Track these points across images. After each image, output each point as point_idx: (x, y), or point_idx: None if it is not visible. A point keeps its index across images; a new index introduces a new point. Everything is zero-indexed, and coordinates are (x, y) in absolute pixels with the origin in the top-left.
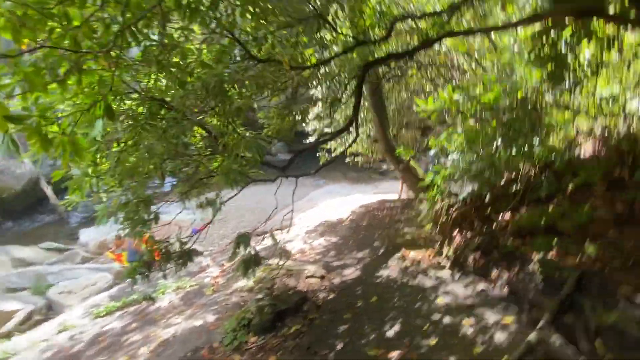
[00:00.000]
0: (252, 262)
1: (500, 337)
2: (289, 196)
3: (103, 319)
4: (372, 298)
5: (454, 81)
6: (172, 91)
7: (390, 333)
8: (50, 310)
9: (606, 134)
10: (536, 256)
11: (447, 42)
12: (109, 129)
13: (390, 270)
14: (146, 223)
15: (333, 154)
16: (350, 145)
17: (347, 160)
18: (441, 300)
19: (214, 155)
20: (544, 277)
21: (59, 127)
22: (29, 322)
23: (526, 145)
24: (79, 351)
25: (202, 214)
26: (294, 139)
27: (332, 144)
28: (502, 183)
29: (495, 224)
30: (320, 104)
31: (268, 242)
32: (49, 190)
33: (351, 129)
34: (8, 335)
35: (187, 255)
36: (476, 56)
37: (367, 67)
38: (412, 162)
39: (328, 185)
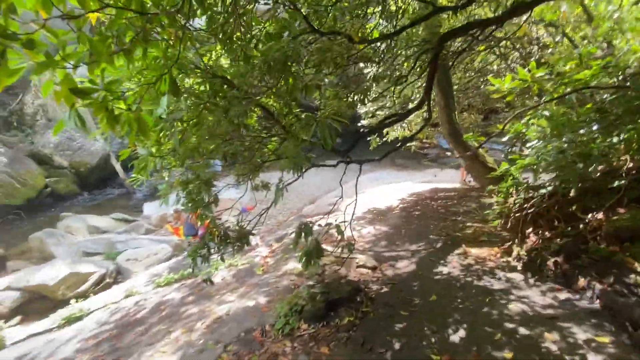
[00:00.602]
0: (314, 254)
1: (593, 359)
2: (333, 180)
3: (163, 289)
4: (431, 296)
5: (532, 58)
6: (234, 68)
7: (454, 338)
8: (119, 275)
9: None
10: (638, 266)
11: (536, 9)
12: (171, 107)
13: (451, 266)
14: (207, 206)
15: (385, 139)
16: (422, 129)
17: (398, 145)
18: (515, 307)
19: (273, 137)
20: None
21: (125, 103)
22: (102, 284)
23: (633, 132)
24: (143, 317)
25: (254, 195)
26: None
27: (385, 130)
28: (595, 177)
29: (583, 224)
30: (380, 83)
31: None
32: (117, 166)
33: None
34: (85, 295)
35: (245, 238)
36: (564, 26)
37: (445, 38)
38: (481, 150)
39: (375, 172)
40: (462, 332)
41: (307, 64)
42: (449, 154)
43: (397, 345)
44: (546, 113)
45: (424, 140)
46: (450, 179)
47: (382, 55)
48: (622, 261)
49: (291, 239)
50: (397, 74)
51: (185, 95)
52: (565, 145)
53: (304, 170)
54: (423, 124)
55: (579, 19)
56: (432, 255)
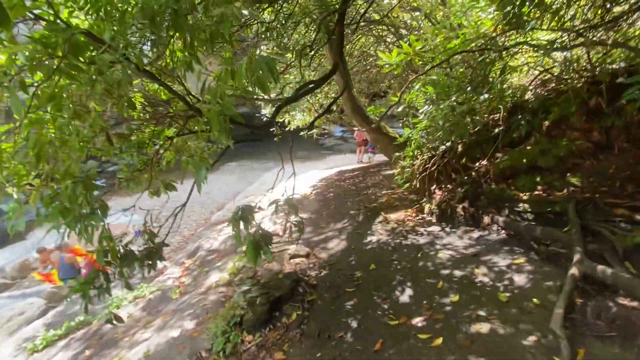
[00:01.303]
0: (263, 242)
1: (519, 279)
2: (240, 182)
3: (42, 353)
4: (370, 266)
5: (404, 39)
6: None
7: (404, 298)
8: None
9: (576, 67)
10: (523, 196)
11: None
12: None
13: (378, 234)
14: (93, 216)
15: (287, 128)
16: (343, 93)
17: (302, 134)
18: (443, 255)
19: (168, 122)
20: (536, 214)
21: None
22: None
23: (497, 86)
24: None
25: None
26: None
27: (287, 118)
28: (475, 130)
29: (475, 172)
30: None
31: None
32: None
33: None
34: None
35: (157, 253)
36: (424, 10)
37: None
38: (382, 123)
39: (278, 167)
40: (408, 291)
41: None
42: (330, 142)
43: (354, 324)
44: (434, 77)
45: (323, 127)
46: (349, 162)
47: (284, 22)
48: (511, 195)
49: (207, 250)
50: (302, 44)
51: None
52: (455, 103)
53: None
54: (343, 88)
55: (435, 3)
56: (358, 229)
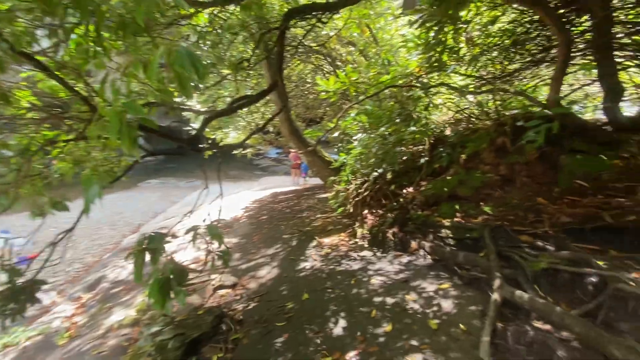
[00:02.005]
0: (175, 280)
1: (446, 305)
2: (162, 202)
3: None
4: (303, 295)
5: (339, 70)
6: None
7: (337, 330)
8: None
9: (485, 111)
10: (445, 222)
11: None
12: None
13: (311, 260)
14: None
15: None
16: (275, 116)
17: (235, 152)
18: (376, 281)
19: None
20: (457, 239)
21: None
22: None
23: (422, 121)
24: None
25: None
26: (168, 130)
27: (219, 135)
28: (403, 160)
29: (402, 198)
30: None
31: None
32: None
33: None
34: None
35: (27, 293)
36: (359, 47)
37: (290, 15)
38: (318, 147)
39: (208, 187)
40: (342, 322)
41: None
42: (276, 163)
43: None
44: (368, 107)
45: (258, 147)
46: (283, 183)
47: (219, 30)
48: (434, 221)
49: (112, 282)
50: (239, 58)
51: None
52: (386, 133)
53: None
54: (281, 108)
55: (369, 41)
56: (291, 254)
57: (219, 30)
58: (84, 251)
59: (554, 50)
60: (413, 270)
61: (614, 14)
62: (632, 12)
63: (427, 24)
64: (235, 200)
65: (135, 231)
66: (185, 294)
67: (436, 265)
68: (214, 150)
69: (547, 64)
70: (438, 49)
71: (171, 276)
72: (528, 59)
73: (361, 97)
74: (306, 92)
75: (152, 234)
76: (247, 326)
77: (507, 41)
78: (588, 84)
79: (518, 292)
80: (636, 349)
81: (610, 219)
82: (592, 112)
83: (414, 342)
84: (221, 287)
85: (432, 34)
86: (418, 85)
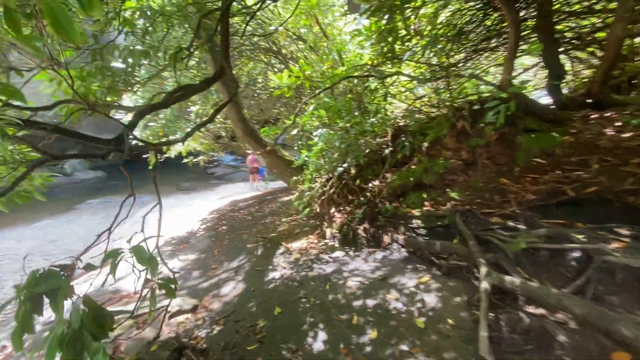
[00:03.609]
0: (93, 333)
1: (430, 300)
2: (106, 224)
3: None
4: (275, 310)
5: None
6: None
7: (318, 345)
8: None
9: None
10: (415, 212)
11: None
12: None
13: (280, 269)
14: None
15: (166, 155)
16: (231, 99)
17: (185, 161)
18: (352, 282)
19: None
20: (428, 229)
21: None
22: None
23: (382, 111)
24: None
25: None
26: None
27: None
28: (367, 152)
29: (369, 192)
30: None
31: (87, 285)
32: None
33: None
34: None
35: None
36: (309, 43)
37: None
38: (277, 147)
39: (156, 202)
40: (322, 335)
41: None
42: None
43: None
44: (327, 100)
45: (211, 154)
46: (242, 190)
47: (149, 13)
48: (404, 212)
49: (45, 323)
50: (177, 45)
51: None
52: (348, 126)
53: None
54: (232, 94)
55: (319, 36)
56: (257, 265)
57: (149, 14)
58: (7, 287)
59: (493, 41)
60: (389, 266)
61: None
62: None
63: (377, 13)
64: (190, 212)
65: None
66: (106, 355)
67: (412, 258)
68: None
69: (489, 52)
70: (389, 39)
71: (87, 323)
72: (472, 49)
73: (318, 91)
74: (258, 93)
75: (50, 268)
76: (214, 355)
77: (451, 32)
78: (530, 68)
79: (508, 278)
80: None
81: (572, 192)
82: (530, 93)
83: (404, 347)
84: (179, 312)
85: (383, 22)
86: (374, 75)
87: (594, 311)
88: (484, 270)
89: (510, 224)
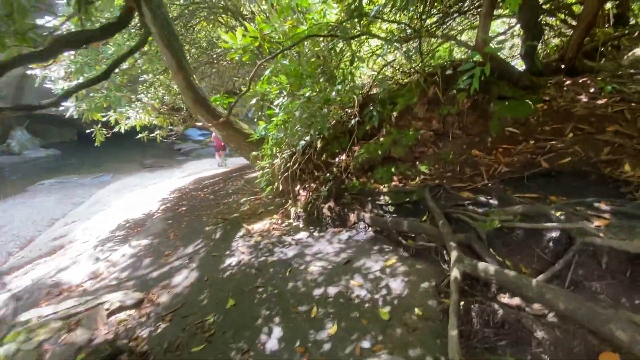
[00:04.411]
0: None
1: (396, 286)
2: (62, 206)
3: None
4: (228, 302)
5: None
6: None
7: (272, 343)
8: None
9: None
10: (383, 188)
11: None
12: None
13: (238, 254)
14: None
15: (115, 130)
16: (142, 44)
17: (140, 136)
18: (314, 267)
19: None
20: (396, 205)
21: None
22: None
23: (349, 77)
24: None
25: None
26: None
27: (111, 117)
28: (332, 124)
29: (336, 167)
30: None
31: (28, 279)
32: None
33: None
34: None
35: None
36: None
37: None
38: (233, 118)
39: (119, 180)
40: (277, 331)
41: None
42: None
43: None
44: (285, 62)
45: (170, 128)
46: (209, 167)
47: None
48: (372, 188)
49: None
50: None
51: None
52: (311, 95)
53: None
54: (142, 38)
55: None
56: (214, 250)
57: None
58: None
59: (467, 3)
60: (354, 248)
61: None
62: None
63: None
64: (152, 191)
65: (25, 246)
66: None
67: (379, 238)
68: (107, 134)
69: (462, 16)
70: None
71: None
72: (444, 11)
73: (277, 51)
74: (219, 58)
75: None
76: (154, 357)
77: None
78: (505, 31)
79: (482, 265)
80: None
81: (546, 163)
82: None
83: (365, 344)
84: (121, 309)
85: None
86: (340, 35)
87: (582, 307)
88: (454, 254)
89: (482, 199)
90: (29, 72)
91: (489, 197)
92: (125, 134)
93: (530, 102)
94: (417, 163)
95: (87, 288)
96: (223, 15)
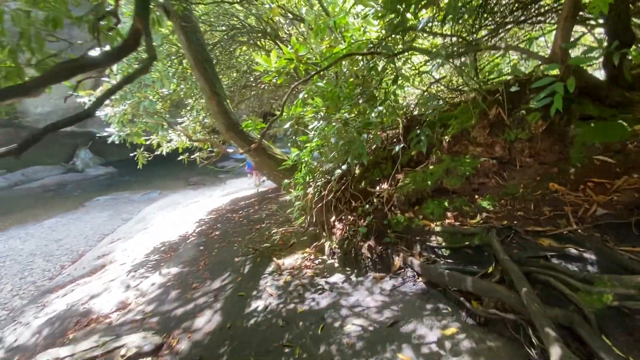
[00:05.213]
0: None
1: None
2: (112, 221)
3: None
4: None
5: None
6: None
7: None
8: None
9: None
10: (434, 226)
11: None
12: None
13: (266, 296)
14: None
15: (156, 152)
16: (150, 62)
17: (181, 158)
18: (352, 327)
19: None
20: (451, 249)
21: None
22: None
23: (391, 97)
24: None
25: None
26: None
27: (153, 140)
28: (372, 149)
29: (376, 198)
30: None
31: (64, 302)
32: None
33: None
34: None
35: None
36: (308, 22)
37: None
38: (266, 142)
39: (165, 197)
40: None
41: None
42: (229, 164)
43: None
44: (321, 85)
45: (210, 149)
46: (248, 186)
47: None
48: (420, 225)
49: (8, 349)
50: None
51: None
52: (348, 117)
53: None
54: (146, 64)
55: (319, 13)
56: (240, 289)
57: None
58: (12, 292)
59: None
60: (401, 303)
61: None
62: None
63: None
64: (191, 211)
65: (76, 260)
66: None
67: (432, 293)
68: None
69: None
70: (400, 6)
71: None
72: (499, 22)
73: (312, 73)
74: (257, 81)
75: None
76: None
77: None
78: (583, 34)
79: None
80: None
81: None
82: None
83: None
84: (137, 355)
85: None
86: (381, 52)
87: None
88: (556, 351)
89: (572, 250)
90: (78, 99)
91: (582, 250)
92: (173, 154)
93: (624, 123)
94: (477, 197)
95: (112, 321)
96: (262, 40)
